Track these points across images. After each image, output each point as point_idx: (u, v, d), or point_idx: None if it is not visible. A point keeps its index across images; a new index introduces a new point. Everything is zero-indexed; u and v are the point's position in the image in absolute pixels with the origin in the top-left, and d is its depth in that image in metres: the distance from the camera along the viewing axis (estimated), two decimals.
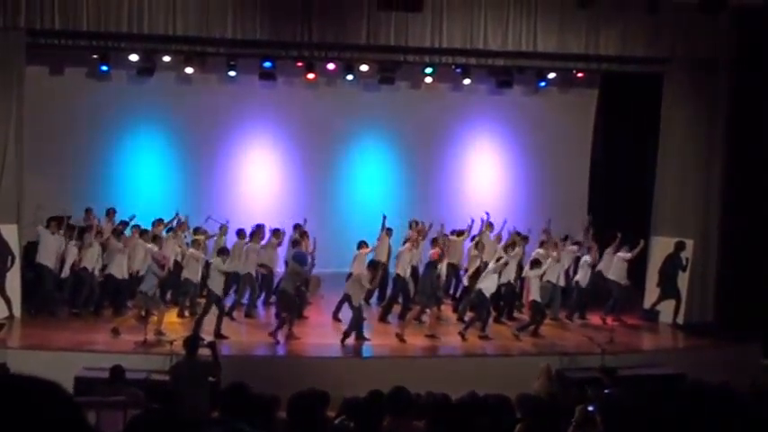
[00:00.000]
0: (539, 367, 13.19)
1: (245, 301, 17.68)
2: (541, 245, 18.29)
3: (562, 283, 18.05)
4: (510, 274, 17.45)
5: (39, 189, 18.62)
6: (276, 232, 18.39)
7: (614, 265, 18.15)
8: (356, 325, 15.73)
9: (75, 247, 17.44)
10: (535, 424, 7.26)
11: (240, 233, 17.98)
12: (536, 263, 16.99)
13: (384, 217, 18.60)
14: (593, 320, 18.08)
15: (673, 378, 13.93)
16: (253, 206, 20.39)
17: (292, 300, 16.08)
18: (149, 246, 17.22)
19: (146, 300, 15.86)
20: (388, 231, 18.65)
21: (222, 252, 16.44)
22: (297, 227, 18.69)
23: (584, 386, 12.09)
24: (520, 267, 17.94)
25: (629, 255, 17.98)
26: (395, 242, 18.67)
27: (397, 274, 17.61)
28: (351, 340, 15.66)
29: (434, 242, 17.83)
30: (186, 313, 17.24)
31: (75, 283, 17.46)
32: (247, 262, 17.61)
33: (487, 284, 16.40)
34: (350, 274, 17.16)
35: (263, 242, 17.98)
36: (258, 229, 18.11)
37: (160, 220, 18.46)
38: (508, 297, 17.90)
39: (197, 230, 18.17)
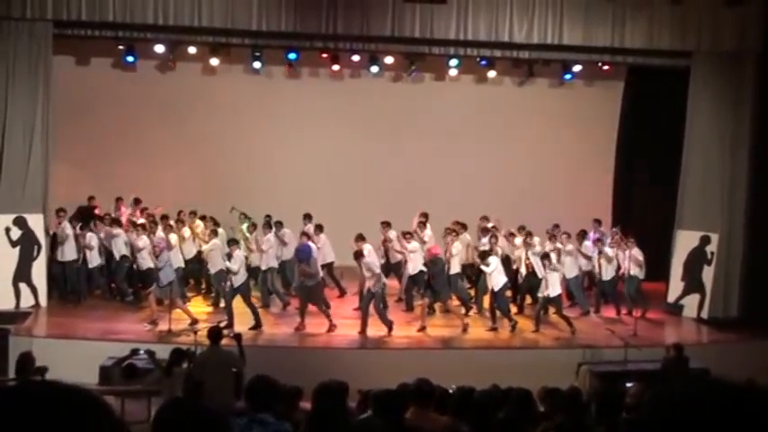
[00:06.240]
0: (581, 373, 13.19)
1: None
2: (550, 238, 18.23)
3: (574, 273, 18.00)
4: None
5: (65, 178, 18.81)
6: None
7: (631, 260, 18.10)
8: (384, 316, 15.88)
9: (95, 235, 17.74)
10: (561, 417, 7.29)
11: (263, 226, 18.12)
12: (546, 256, 16.96)
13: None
14: (618, 315, 18.02)
15: (696, 373, 13.90)
16: (276, 196, 20.40)
17: (312, 290, 16.14)
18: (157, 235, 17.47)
19: (163, 292, 16.01)
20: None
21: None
22: (307, 216, 18.74)
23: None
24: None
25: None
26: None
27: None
28: (373, 332, 15.76)
29: (447, 234, 17.88)
30: (222, 303, 17.28)
31: (113, 271, 18.05)
32: (266, 254, 17.73)
33: (495, 281, 16.51)
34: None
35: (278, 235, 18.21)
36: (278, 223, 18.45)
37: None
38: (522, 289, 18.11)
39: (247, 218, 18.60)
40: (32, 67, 16.97)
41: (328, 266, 18.47)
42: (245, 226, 18.50)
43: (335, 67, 20.77)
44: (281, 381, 7.92)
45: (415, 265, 17.22)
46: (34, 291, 16.99)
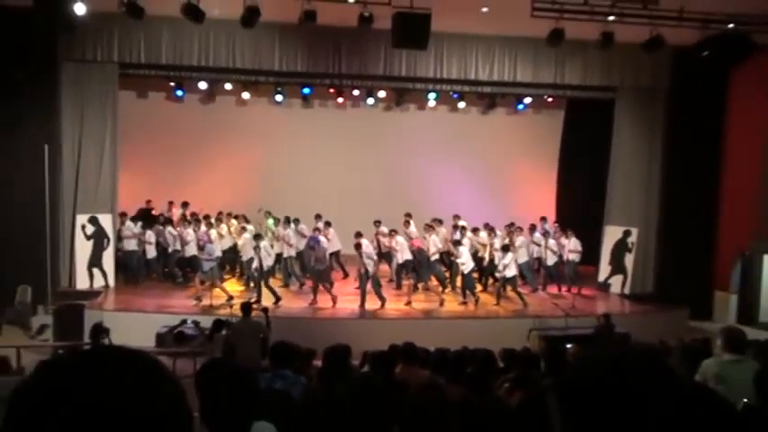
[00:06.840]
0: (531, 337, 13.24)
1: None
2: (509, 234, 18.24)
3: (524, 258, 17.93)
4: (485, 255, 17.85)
5: (128, 185, 18.76)
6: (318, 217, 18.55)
7: (569, 248, 18.10)
8: (379, 293, 15.82)
9: (153, 233, 17.70)
10: (516, 372, 7.26)
11: (284, 222, 18.08)
12: (505, 248, 16.92)
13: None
14: (560, 292, 18.03)
15: (620, 336, 13.89)
16: (293, 200, 20.30)
17: (322, 273, 16.10)
18: (200, 231, 17.45)
19: (205, 276, 15.99)
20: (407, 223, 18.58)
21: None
22: (318, 216, 18.54)
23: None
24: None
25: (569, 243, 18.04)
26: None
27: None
28: (370, 306, 15.72)
29: (426, 229, 17.79)
30: (252, 284, 17.21)
31: (165, 259, 18.05)
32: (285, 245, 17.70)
33: (465, 266, 16.47)
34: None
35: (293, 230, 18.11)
36: (296, 220, 18.34)
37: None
38: (486, 272, 18.06)
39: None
40: (102, 100, 16.90)
41: (335, 254, 18.42)
42: (271, 222, 18.49)
43: (340, 100, 20.93)
44: (298, 344, 7.89)
45: (402, 254, 17.17)
46: (104, 274, 16.95)
